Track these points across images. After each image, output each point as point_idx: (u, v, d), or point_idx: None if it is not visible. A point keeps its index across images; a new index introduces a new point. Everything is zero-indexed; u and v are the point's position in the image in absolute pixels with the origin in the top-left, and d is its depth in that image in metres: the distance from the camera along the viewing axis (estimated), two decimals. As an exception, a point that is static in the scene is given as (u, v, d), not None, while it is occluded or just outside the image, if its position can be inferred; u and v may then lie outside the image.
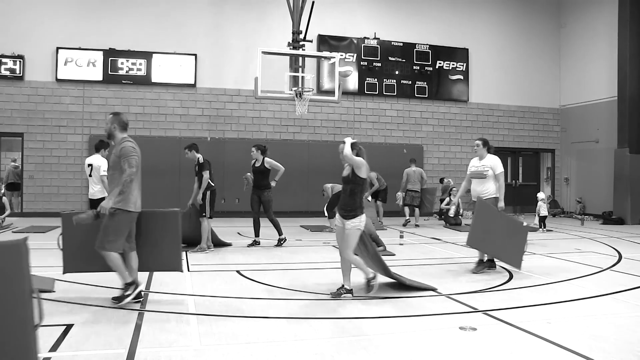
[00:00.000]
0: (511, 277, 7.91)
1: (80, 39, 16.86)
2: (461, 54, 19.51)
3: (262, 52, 13.12)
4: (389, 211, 16.07)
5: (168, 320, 5.36)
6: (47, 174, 16.53)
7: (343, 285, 6.54)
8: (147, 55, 17.20)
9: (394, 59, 18.85)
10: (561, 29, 20.70)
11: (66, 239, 6.28)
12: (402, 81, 18.91)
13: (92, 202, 9.56)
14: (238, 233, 12.60)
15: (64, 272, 6.31)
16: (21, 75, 16.65)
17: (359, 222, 6.32)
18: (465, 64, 19.50)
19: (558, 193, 20.75)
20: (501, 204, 8.33)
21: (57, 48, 16.80)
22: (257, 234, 10.75)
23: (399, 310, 5.95)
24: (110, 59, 17.04)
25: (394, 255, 9.85)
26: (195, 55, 17.38)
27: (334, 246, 11.01)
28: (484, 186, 8.47)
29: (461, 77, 19.48)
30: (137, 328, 5.06)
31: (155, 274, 7.61)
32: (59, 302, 5.95)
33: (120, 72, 17.10)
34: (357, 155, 6.82)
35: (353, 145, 6.83)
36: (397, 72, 18.85)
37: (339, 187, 15.02)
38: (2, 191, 14.09)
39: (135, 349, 4.47)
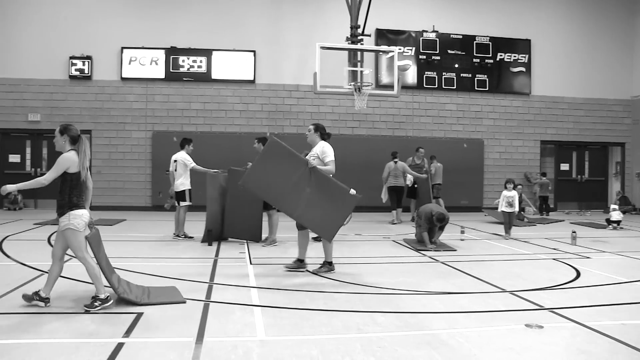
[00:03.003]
0: (578, 275, 7.67)
1: (143, 39, 17.35)
2: (523, 46, 18.98)
3: (321, 47, 13.12)
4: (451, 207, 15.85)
5: (233, 311, 5.46)
6: (113, 169, 17.10)
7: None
8: (207, 53, 17.53)
9: (453, 52, 18.53)
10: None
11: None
12: (461, 74, 18.57)
13: (177, 193, 10.85)
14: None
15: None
16: (89, 75, 17.30)
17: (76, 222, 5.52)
18: (527, 56, 18.96)
19: (629, 189, 19.86)
20: (316, 162, 7.29)
21: (122, 48, 17.35)
22: None
23: (461, 306, 5.86)
24: (171, 57, 17.46)
25: (454, 250, 9.72)
26: (254, 51, 17.58)
27: (394, 241, 10.97)
28: None
29: (523, 69, 18.95)
30: (204, 318, 5.17)
31: (219, 267, 7.79)
32: (129, 292, 6.15)
33: (182, 70, 17.49)
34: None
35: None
36: (456, 65, 18.53)
37: (395, 181, 14.95)
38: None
39: (202, 338, 4.58)
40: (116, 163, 17.15)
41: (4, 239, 10.32)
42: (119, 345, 4.36)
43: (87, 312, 5.33)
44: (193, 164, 10.79)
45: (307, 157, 7.47)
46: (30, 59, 17.12)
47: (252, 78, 17.60)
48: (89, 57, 17.32)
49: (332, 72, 13.79)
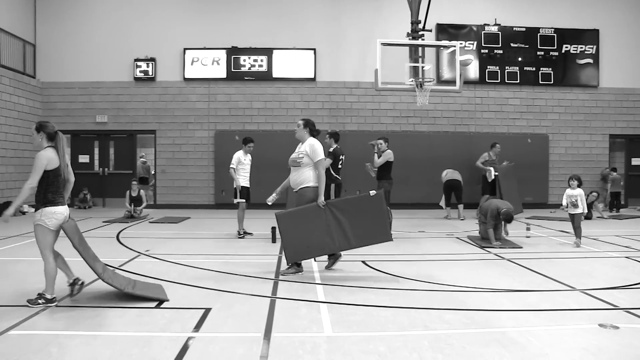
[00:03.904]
0: (655, 273, 7.35)
1: (205, 39, 17.69)
2: (590, 36, 18.27)
3: (381, 43, 13.02)
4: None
5: (299, 307, 5.50)
6: (177, 168, 17.53)
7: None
8: (267, 52, 17.71)
9: (516, 45, 18.03)
10: None
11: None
12: (525, 68, 18.06)
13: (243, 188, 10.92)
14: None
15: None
16: (153, 76, 17.79)
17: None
18: (595, 47, 18.24)
19: None
20: (320, 198, 7.07)
21: (184, 49, 17.75)
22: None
23: (530, 304, 5.71)
24: (233, 56, 17.73)
25: (520, 247, 9.48)
26: (314, 49, 17.65)
27: (458, 238, 10.79)
28: (300, 175, 7.29)
29: (590, 60, 18.24)
30: (270, 314, 5.23)
31: (283, 265, 7.86)
32: (198, 288, 6.31)
33: (243, 69, 17.74)
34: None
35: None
36: (519, 59, 18.04)
37: (452, 175, 14.72)
38: (137, 184, 15.13)
39: (270, 334, 4.63)
40: (180, 162, 17.57)
41: (77, 236, 10.72)
42: (189, 339, 4.46)
43: (27, 305, 5.44)
44: (232, 166, 10.83)
45: (295, 153, 7.43)
46: (98, 62, 17.77)
47: (312, 76, 17.67)
48: (152, 59, 17.81)
49: (393, 69, 13.65)
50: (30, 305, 5.46)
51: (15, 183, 16.19)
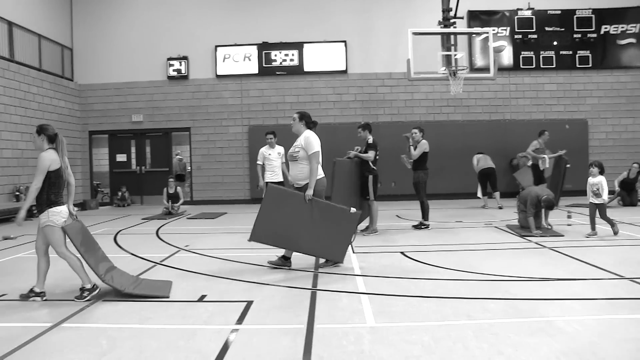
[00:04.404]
0: None
1: (236, 36, 17.80)
2: (633, 14, 17.61)
3: (413, 33, 12.88)
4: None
5: (340, 298, 5.49)
6: (212, 165, 17.70)
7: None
8: (298, 46, 17.73)
9: (551, 28, 17.64)
10: None
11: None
12: (561, 52, 17.66)
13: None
14: (397, 216, 12.59)
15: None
16: (186, 74, 18.00)
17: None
18: (638, 25, 17.64)
19: None
20: (309, 191, 6.82)
21: (216, 46, 17.89)
22: (423, 217, 10.63)
23: (575, 293, 5.59)
24: (264, 52, 17.80)
25: (562, 236, 9.29)
26: (344, 41, 17.59)
27: (496, 227, 10.64)
28: (299, 170, 7.11)
29: (633, 40, 17.66)
30: (312, 305, 5.24)
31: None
32: (239, 281, 6.36)
33: (274, 64, 17.80)
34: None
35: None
36: (555, 43, 17.64)
37: (485, 162, 14.50)
38: (174, 181, 15.34)
39: (313, 325, 4.63)
40: (215, 158, 17.74)
41: (117, 233, 10.95)
42: (233, 331, 4.50)
43: (75, 300, 5.59)
44: (258, 162, 10.80)
45: (292, 147, 7.20)
46: (132, 63, 18.06)
47: (344, 68, 17.62)
48: (185, 58, 18.01)
49: (425, 58, 13.48)
50: (78, 300, 5.59)
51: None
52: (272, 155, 10.61)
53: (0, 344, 4.33)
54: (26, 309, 5.39)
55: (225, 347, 4.14)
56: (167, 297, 5.70)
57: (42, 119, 15.88)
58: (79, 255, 5.74)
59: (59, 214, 5.62)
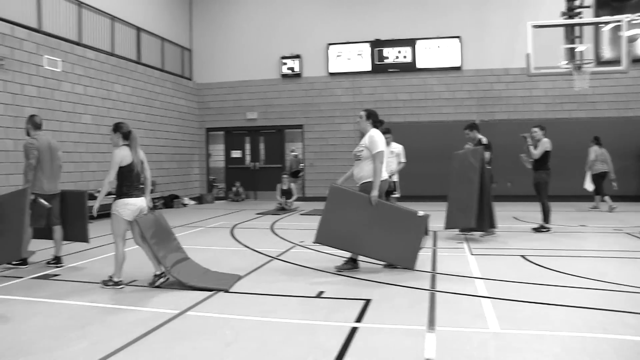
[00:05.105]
0: None
1: (348, 33, 17.84)
2: None
3: (533, 25, 12.26)
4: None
5: (460, 301, 5.31)
6: (325, 162, 17.86)
7: None
8: (411, 43, 17.47)
9: (692, 16, 16.12)
10: None
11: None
12: None
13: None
14: (514, 217, 12.06)
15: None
16: (299, 72, 18.30)
17: None
18: None
19: None
20: (374, 192, 6.56)
21: (328, 44, 18.04)
22: (544, 219, 10.08)
23: None
24: (376, 49, 17.71)
25: None
26: (459, 37, 17.12)
27: (628, 233, 9.86)
28: (361, 169, 6.87)
29: None
30: (432, 307, 5.09)
31: (438, 257, 7.70)
32: (355, 279, 6.35)
33: (386, 61, 17.66)
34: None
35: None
36: (698, 31, 16.09)
37: (603, 163, 13.55)
38: (287, 177, 15.64)
39: (434, 327, 4.49)
40: (327, 155, 17.89)
41: (233, 227, 11.30)
42: (353, 330, 4.45)
43: (102, 286, 6.04)
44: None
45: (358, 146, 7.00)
46: (246, 62, 18.64)
47: (458, 64, 17.16)
48: (298, 56, 18.31)
49: (544, 52, 12.79)
50: (103, 286, 6.05)
51: (177, 177, 17.44)
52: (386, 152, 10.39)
53: (134, 326, 4.59)
54: (152, 295, 5.70)
55: (346, 345, 4.11)
56: (228, 290, 5.82)
57: (164, 116, 16.79)
58: (121, 249, 6.09)
59: (125, 205, 5.99)
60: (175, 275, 5.99)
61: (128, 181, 6.02)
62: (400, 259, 6.77)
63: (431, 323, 4.61)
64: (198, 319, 4.88)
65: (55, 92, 12.34)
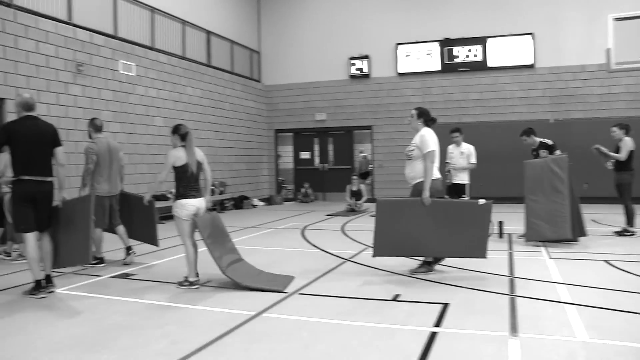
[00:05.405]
0: None
1: (416, 33, 17.65)
2: None
3: (614, 18, 11.73)
4: None
5: (543, 308, 5.12)
6: (394, 162, 17.68)
7: None
8: (481, 41, 17.09)
9: None
10: None
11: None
12: None
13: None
14: (593, 220, 11.56)
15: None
16: (367, 73, 18.26)
17: None
18: None
19: None
20: (425, 193, 6.34)
21: (396, 44, 17.90)
22: (628, 222, 9.64)
23: None
24: (445, 48, 17.43)
25: None
26: (531, 34, 16.60)
27: None
28: (412, 169, 6.69)
29: None
30: (512, 313, 4.94)
31: (516, 261, 7.48)
32: (431, 282, 6.25)
33: (456, 60, 17.35)
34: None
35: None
36: None
37: None
38: (357, 179, 15.62)
39: (516, 334, 4.35)
40: (396, 157, 17.66)
41: (304, 228, 11.37)
42: (433, 335, 4.37)
43: (177, 287, 6.15)
44: (447, 161, 10.10)
45: (410, 147, 6.78)
46: (315, 63, 18.75)
47: (531, 62, 16.64)
48: (366, 56, 18.27)
49: (626, 46, 12.23)
50: (179, 286, 6.16)
51: (247, 179, 17.74)
52: (453, 154, 10.09)
53: (212, 327, 4.66)
54: (227, 296, 5.77)
55: (427, 350, 4.03)
56: (282, 291, 5.81)
57: (233, 118, 17.10)
58: (190, 249, 6.20)
59: (183, 206, 6.09)
60: (230, 275, 6.06)
61: (184, 182, 6.13)
62: (470, 250, 6.61)
63: (513, 329, 4.47)
64: (274, 320, 4.91)
65: (129, 95, 12.80)
